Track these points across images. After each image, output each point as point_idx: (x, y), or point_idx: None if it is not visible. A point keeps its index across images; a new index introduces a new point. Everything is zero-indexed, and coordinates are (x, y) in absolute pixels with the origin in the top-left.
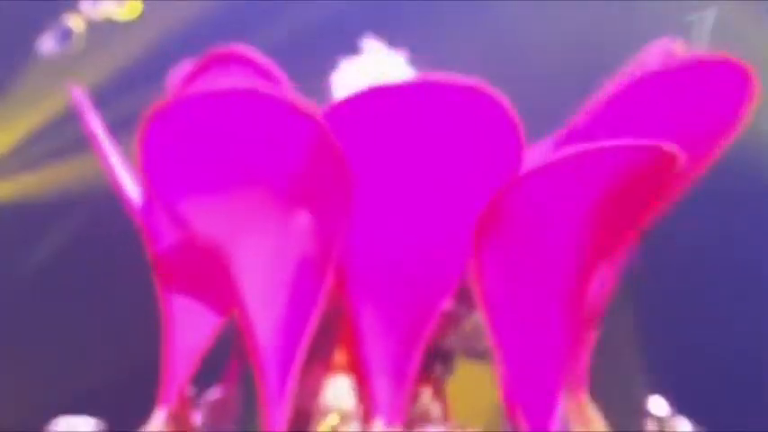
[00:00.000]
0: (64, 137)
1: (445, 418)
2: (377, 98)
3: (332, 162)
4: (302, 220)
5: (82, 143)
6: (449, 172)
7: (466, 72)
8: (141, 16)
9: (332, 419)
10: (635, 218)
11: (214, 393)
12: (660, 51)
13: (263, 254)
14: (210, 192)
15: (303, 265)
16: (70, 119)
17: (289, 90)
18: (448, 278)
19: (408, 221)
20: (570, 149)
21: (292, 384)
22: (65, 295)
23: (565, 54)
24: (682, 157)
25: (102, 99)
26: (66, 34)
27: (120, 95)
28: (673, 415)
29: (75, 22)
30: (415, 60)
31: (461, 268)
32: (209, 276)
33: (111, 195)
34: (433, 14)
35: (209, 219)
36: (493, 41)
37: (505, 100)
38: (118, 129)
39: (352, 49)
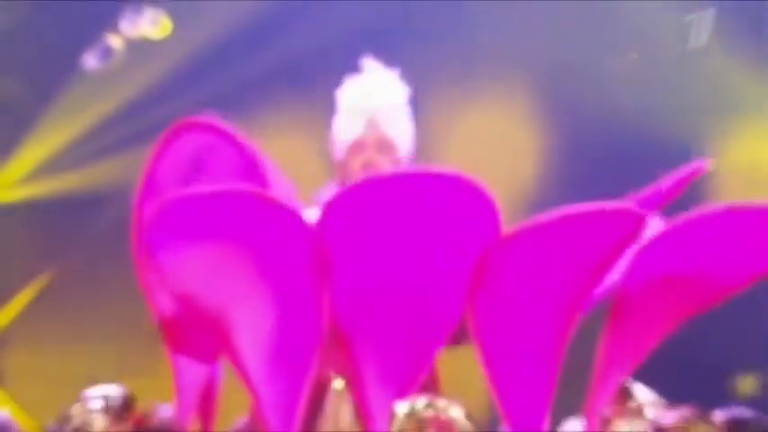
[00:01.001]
0: (102, 142)
1: None
2: (382, 185)
3: (308, 245)
4: (286, 294)
5: (116, 148)
6: (441, 242)
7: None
8: (171, 35)
9: None
10: (601, 268)
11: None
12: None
13: (254, 327)
14: (207, 274)
15: (292, 332)
16: (108, 127)
17: (269, 183)
18: (441, 331)
19: (408, 284)
20: (531, 222)
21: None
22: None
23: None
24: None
25: (137, 109)
26: (108, 52)
27: (152, 106)
28: (632, 382)
29: (115, 41)
30: (405, 75)
31: (453, 323)
32: (207, 335)
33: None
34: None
35: (207, 295)
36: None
37: (484, 185)
38: (150, 136)
39: (355, 68)
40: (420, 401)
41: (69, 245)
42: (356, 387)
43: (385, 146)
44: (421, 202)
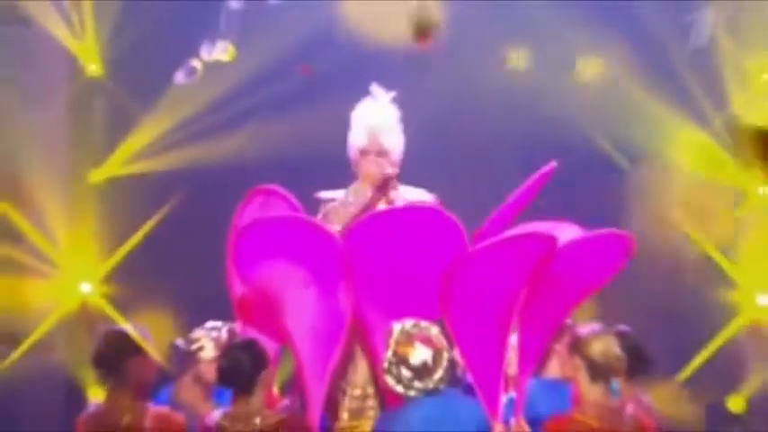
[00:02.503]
0: (184, 134)
1: None
2: (386, 216)
3: (337, 256)
4: (322, 290)
5: (194, 139)
6: (426, 253)
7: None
8: (235, 59)
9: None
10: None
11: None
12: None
13: (301, 309)
14: (271, 276)
15: (330, 316)
16: (189, 124)
17: (309, 216)
18: (426, 308)
19: (405, 279)
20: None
21: (326, 386)
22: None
23: None
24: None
25: (209, 112)
26: (191, 71)
27: (220, 110)
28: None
29: (196, 63)
30: (397, 100)
31: (434, 302)
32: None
33: (212, 170)
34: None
35: (270, 290)
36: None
37: (453, 216)
38: (218, 132)
39: (366, 92)
40: (408, 322)
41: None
42: (367, 343)
43: (382, 152)
44: (413, 227)
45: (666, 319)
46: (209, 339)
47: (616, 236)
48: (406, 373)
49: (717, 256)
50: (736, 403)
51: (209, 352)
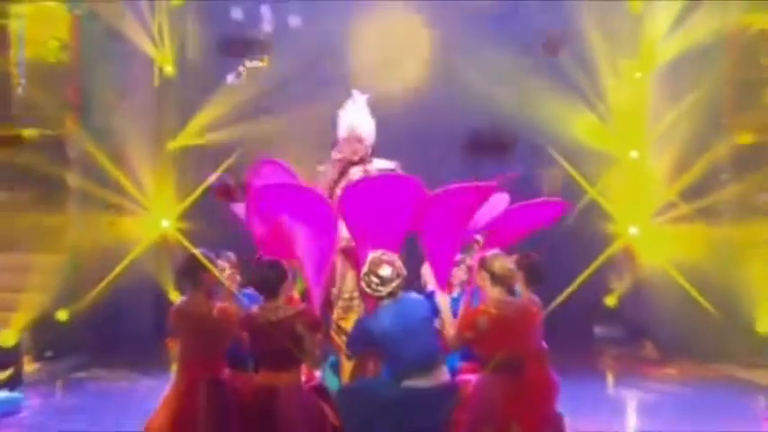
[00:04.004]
0: (233, 117)
1: None
2: (369, 182)
3: (325, 210)
4: (315, 236)
5: (239, 120)
6: (399, 206)
7: None
8: (267, 65)
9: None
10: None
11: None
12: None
13: (308, 243)
14: (282, 221)
15: (323, 248)
16: (236, 109)
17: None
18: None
19: (379, 225)
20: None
21: (323, 289)
22: None
23: None
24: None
25: (250, 102)
26: (238, 74)
27: (259, 101)
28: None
29: (241, 68)
30: (370, 101)
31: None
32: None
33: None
34: None
35: (284, 230)
36: None
37: (417, 179)
38: (256, 114)
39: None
40: (380, 251)
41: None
42: (355, 264)
43: (360, 140)
44: (385, 188)
45: (567, 243)
46: (225, 260)
47: (552, 203)
48: (375, 280)
49: (601, 200)
50: (612, 300)
51: (227, 270)
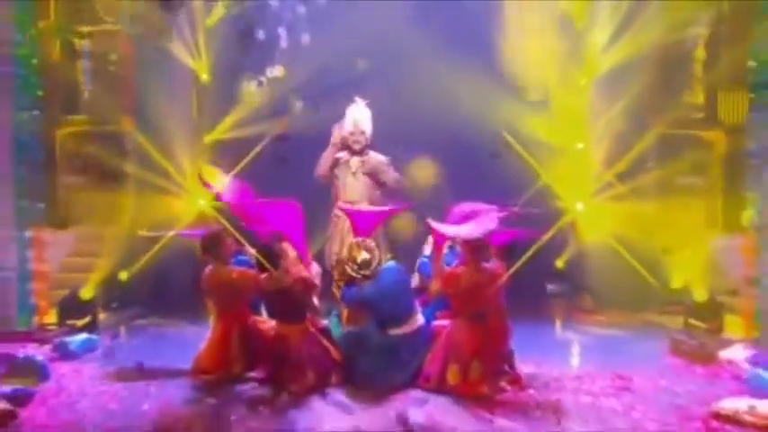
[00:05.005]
0: (256, 116)
1: None
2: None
3: (298, 214)
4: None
5: (261, 119)
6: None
7: None
8: (285, 74)
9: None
10: None
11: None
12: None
13: (290, 229)
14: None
15: (297, 232)
16: (259, 111)
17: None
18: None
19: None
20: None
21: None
22: None
23: None
24: None
25: (270, 105)
26: (260, 82)
27: (277, 104)
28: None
29: (262, 78)
30: (370, 106)
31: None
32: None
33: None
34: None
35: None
36: None
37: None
38: (275, 115)
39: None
40: (360, 238)
41: (247, 154)
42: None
43: (362, 133)
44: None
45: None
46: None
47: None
48: (353, 266)
49: (552, 183)
50: (560, 263)
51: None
